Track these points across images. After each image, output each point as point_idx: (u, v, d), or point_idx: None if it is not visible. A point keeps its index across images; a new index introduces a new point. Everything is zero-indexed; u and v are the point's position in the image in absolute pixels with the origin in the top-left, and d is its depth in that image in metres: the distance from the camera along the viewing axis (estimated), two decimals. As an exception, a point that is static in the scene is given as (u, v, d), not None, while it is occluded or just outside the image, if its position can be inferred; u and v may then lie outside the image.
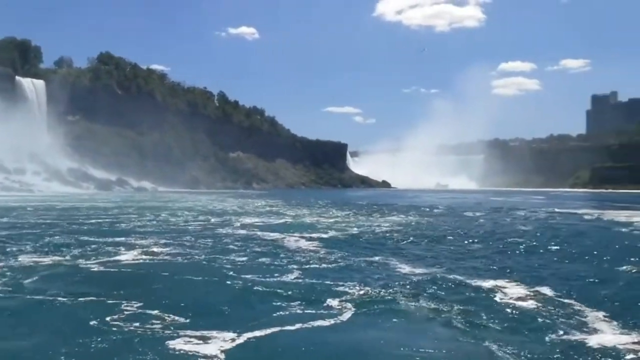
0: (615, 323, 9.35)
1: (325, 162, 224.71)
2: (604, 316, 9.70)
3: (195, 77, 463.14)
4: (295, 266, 14.59)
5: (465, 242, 20.73)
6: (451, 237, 21.99)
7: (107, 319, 9.34)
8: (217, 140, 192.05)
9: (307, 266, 14.66)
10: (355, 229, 25.94)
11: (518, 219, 33.71)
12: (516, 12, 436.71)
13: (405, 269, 14.36)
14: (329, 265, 14.79)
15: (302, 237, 21.47)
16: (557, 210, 45.19)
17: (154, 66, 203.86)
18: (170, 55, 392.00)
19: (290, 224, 28.63)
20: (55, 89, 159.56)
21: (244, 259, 16.20)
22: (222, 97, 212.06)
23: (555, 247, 19.16)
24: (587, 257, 16.67)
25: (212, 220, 32.46)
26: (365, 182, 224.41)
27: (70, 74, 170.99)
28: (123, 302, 10.41)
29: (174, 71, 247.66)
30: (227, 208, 47.81)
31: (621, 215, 36.70)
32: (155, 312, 9.73)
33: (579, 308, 10.26)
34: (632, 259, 16.14)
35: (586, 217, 36.73)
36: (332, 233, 23.74)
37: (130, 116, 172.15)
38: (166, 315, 9.59)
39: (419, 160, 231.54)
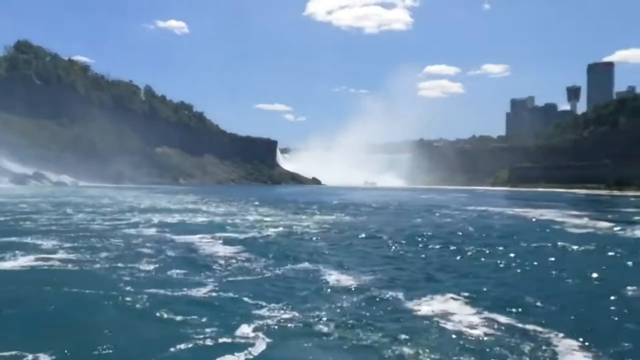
0: (591, 353, 7.63)
1: (255, 159, 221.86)
2: (578, 345, 7.94)
3: (122, 71, 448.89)
4: (208, 278, 12.13)
5: (402, 247, 18.75)
6: (387, 241, 19.93)
7: None
8: (143, 135, 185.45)
9: (223, 278, 12.22)
10: (283, 229, 23.74)
11: (454, 219, 32.15)
12: (442, 17, 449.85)
13: (335, 280, 12.15)
14: (249, 277, 12.35)
15: (223, 240, 18.94)
16: (490, 208, 44.55)
17: (78, 57, 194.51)
18: (95, 47, 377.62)
19: (211, 224, 26.03)
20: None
21: (150, 267, 13.62)
22: (149, 91, 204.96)
23: (501, 251, 17.44)
24: (540, 266, 15.09)
25: (127, 218, 29.39)
26: (295, 178, 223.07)
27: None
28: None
29: (99, 64, 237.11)
30: (147, 204, 44.48)
31: (554, 215, 36.10)
32: (8, 350, 7.17)
33: (544, 335, 8.41)
34: (584, 268, 14.76)
35: (520, 215, 35.79)
36: (256, 234, 21.37)
37: (50, 108, 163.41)
38: (23, 352, 7.06)
39: (349, 158, 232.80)
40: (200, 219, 29.40)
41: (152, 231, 22.27)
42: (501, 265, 14.85)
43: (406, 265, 14.60)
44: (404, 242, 19.57)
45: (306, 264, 13.75)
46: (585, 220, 30.64)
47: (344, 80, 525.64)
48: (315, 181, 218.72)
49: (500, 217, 33.86)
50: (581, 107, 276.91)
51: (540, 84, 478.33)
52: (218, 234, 20.80)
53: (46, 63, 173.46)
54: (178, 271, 12.84)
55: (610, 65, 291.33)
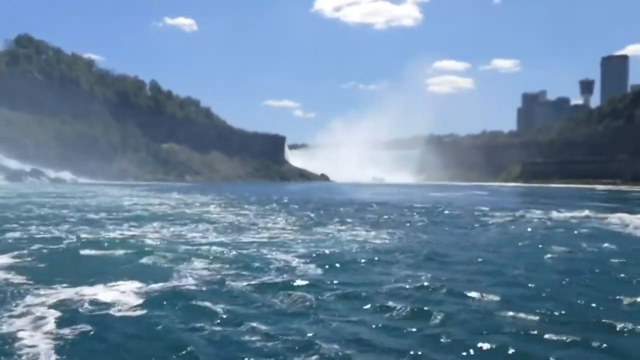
0: None
1: (262, 155, 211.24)
2: None
3: (131, 68, 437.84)
4: None
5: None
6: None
7: None
8: (149, 131, 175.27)
9: None
10: (258, 263, 12.93)
11: (545, 238, 20.44)
12: (451, 12, 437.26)
13: None
14: None
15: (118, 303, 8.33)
16: (554, 214, 32.90)
17: (88, 55, 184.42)
18: (105, 45, 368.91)
19: (154, 249, 15.33)
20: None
21: None
22: (155, 87, 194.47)
23: None
24: None
25: (41, 232, 18.75)
26: (303, 175, 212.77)
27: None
28: None
29: (108, 62, 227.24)
30: (119, 206, 33.91)
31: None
32: None
33: None
34: None
35: (624, 230, 23.87)
36: (189, 287, 10.48)
37: (52, 104, 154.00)
38: None
39: (357, 154, 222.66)
40: (156, 233, 18.64)
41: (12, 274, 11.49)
42: None
43: None
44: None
45: None
46: None
47: (352, 76, 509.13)
48: (324, 177, 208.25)
49: (607, 234, 22.11)
50: (594, 101, 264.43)
51: (551, 79, 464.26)
52: (140, 279, 10.15)
53: (49, 58, 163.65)
54: None
55: (624, 58, 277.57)
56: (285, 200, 46.29)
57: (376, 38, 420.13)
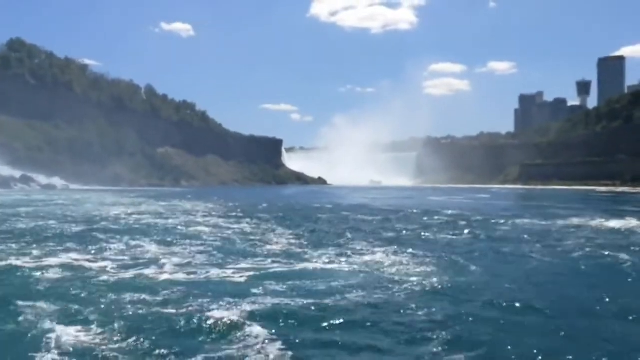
0: None
1: (259, 159, 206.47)
2: None
3: (128, 74, 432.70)
4: None
5: None
6: None
7: None
8: (144, 135, 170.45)
9: None
10: (203, 328, 8.09)
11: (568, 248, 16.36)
12: (447, 16, 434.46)
13: None
14: None
15: None
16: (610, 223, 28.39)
17: (83, 59, 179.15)
18: (101, 51, 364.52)
19: (68, 289, 10.68)
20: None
21: None
22: (150, 90, 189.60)
23: None
24: None
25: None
26: (300, 178, 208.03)
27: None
28: None
29: (105, 67, 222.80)
30: (94, 217, 29.25)
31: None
32: None
33: None
34: None
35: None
36: None
37: (44, 108, 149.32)
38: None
39: (354, 157, 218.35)
40: (83, 265, 13.91)
41: None
42: None
43: None
44: None
45: None
46: None
47: (350, 80, 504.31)
48: (321, 181, 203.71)
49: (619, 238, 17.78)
50: (592, 102, 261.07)
51: (547, 80, 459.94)
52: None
53: (41, 62, 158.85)
54: None
55: (621, 59, 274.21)
56: (279, 211, 41.61)
57: (373, 42, 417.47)
